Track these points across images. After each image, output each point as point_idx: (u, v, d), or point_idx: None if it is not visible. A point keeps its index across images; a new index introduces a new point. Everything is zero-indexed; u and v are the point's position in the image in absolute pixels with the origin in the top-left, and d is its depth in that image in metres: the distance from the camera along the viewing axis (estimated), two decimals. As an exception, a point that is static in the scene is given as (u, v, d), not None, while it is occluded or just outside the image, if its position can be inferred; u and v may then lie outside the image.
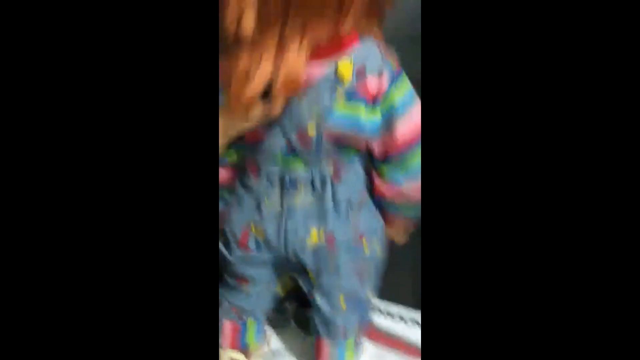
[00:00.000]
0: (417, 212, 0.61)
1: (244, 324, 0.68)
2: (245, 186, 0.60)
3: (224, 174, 0.61)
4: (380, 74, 0.51)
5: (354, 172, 0.59)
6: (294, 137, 0.54)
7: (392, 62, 0.53)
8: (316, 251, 0.59)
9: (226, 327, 0.68)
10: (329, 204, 0.57)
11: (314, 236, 0.58)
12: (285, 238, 0.58)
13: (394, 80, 0.52)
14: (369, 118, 0.53)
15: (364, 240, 0.60)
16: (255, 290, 0.65)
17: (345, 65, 0.50)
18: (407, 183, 0.57)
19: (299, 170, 0.56)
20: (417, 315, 0.78)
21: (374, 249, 0.62)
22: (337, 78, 0.51)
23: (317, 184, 0.57)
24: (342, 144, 0.55)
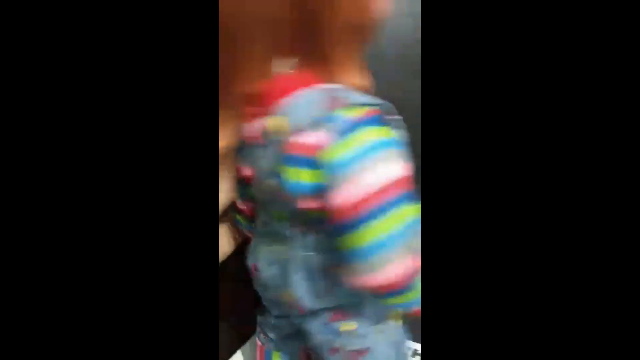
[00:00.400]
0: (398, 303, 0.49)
1: (269, 352, 0.66)
2: (250, 226, 0.60)
3: (247, 206, 0.60)
4: (321, 129, 0.43)
5: (321, 238, 0.50)
6: (264, 187, 0.50)
7: (350, 112, 0.43)
8: (291, 307, 0.55)
9: (258, 345, 0.68)
10: (296, 265, 0.52)
11: (284, 294, 0.54)
12: (273, 285, 0.56)
13: (341, 134, 0.42)
14: (304, 179, 0.45)
15: (341, 317, 0.54)
16: (274, 320, 0.63)
17: (273, 122, 0.46)
18: (359, 271, 0.45)
19: (278, 223, 0.52)
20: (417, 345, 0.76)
21: (367, 332, 0.55)
22: (270, 135, 0.46)
23: (288, 241, 0.52)
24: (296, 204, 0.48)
